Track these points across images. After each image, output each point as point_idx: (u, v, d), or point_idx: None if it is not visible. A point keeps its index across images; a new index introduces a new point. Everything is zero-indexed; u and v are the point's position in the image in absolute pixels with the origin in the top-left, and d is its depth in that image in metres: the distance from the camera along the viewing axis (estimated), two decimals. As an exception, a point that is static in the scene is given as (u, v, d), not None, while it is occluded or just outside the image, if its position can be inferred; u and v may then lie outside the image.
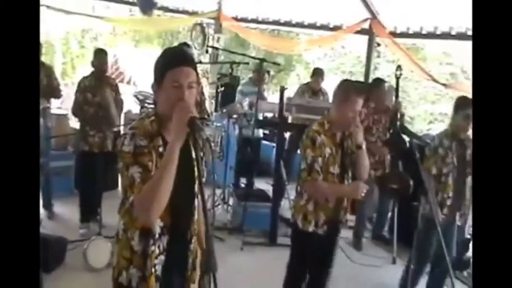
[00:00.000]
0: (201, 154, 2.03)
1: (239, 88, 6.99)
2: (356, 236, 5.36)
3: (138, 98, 5.35)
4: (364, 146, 3.01)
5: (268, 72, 7.11)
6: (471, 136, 3.94)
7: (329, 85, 12.61)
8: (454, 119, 3.88)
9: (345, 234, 5.43)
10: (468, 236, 4.86)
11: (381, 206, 5.57)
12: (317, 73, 6.94)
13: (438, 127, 13.53)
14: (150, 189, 1.73)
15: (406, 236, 4.56)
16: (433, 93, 12.92)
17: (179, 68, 1.84)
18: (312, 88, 6.84)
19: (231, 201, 5.72)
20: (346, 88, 2.99)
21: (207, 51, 7.15)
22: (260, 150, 6.70)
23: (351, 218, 5.66)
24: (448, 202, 3.77)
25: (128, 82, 12.94)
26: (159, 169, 1.77)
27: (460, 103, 3.90)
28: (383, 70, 11.92)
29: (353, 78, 8.73)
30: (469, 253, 4.88)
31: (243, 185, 6.41)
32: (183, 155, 1.82)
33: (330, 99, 6.39)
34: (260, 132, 6.57)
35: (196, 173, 1.92)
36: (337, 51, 14.45)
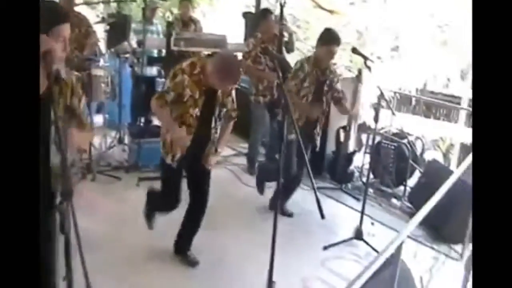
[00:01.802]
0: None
1: (132, 26, 6.81)
2: (249, 161, 5.59)
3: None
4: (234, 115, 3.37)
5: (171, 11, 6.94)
6: (332, 67, 4.19)
7: (234, 19, 12.46)
8: (316, 51, 4.07)
9: (241, 161, 5.72)
10: (351, 151, 5.27)
11: (272, 130, 5.80)
12: (184, 1, 6.56)
13: (340, 54, 14.04)
14: None
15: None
16: (336, 21, 13.25)
17: (64, 25, 2.06)
18: (182, 18, 6.53)
19: (127, 140, 5.72)
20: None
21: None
22: (155, 88, 6.65)
23: (244, 146, 5.94)
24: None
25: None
26: None
27: (324, 37, 4.05)
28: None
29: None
30: (352, 167, 5.30)
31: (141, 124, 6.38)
32: None
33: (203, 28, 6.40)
34: (154, 70, 6.49)
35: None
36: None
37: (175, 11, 9.16)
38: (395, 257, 2.36)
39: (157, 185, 4.77)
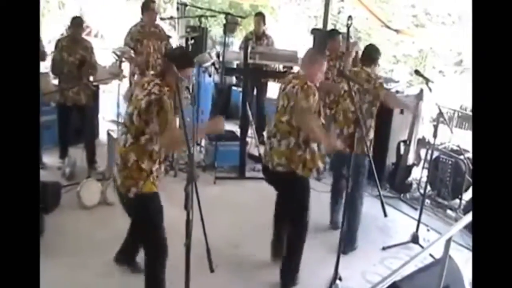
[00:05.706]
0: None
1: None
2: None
3: (116, 54, 5.81)
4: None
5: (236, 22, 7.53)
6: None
7: (296, 31, 12.82)
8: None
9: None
10: (410, 164, 5.61)
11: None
12: (257, 18, 7.02)
13: (401, 68, 14.19)
14: None
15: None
16: (396, 35, 13.43)
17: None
18: (256, 33, 7.00)
19: (203, 142, 6.32)
20: None
21: (178, 8, 7.60)
22: (231, 96, 7.24)
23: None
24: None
25: (96, 36, 13.04)
26: None
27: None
28: (347, 13, 12.36)
29: (319, 22, 9.15)
30: (410, 179, 5.64)
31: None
32: None
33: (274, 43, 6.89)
34: (232, 79, 7.07)
35: None
36: (303, -4, 14.79)
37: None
38: (443, 256, 2.69)
39: (232, 184, 5.29)
